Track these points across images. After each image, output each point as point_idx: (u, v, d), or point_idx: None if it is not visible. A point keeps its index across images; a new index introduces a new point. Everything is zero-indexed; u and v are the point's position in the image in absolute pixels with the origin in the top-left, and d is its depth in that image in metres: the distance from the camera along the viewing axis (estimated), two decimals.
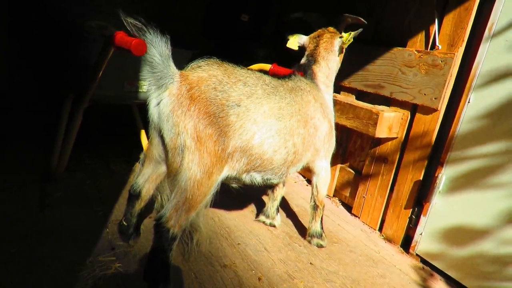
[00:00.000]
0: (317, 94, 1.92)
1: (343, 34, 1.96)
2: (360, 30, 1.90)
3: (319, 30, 2.05)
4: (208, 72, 1.50)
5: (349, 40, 1.92)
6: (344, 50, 2.07)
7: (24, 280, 1.47)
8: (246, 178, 1.68)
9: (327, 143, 1.96)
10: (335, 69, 2.06)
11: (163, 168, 1.66)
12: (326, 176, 2.04)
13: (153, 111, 1.47)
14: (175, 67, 1.44)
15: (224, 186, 1.67)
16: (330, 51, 1.98)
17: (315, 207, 2.09)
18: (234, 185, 1.79)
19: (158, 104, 1.44)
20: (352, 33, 1.91)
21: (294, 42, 2.08)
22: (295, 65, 2.06)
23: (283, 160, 1.71)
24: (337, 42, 1.99)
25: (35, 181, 2.24)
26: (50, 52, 2.41)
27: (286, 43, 2.10)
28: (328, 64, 2.00)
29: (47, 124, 2.90)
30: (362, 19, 1.89)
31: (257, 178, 1.71)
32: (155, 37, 1.35)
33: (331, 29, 2.04)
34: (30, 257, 1.60)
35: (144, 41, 1.35)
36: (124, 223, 1.80)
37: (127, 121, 2.80)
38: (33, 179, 2.26)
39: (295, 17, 2.11)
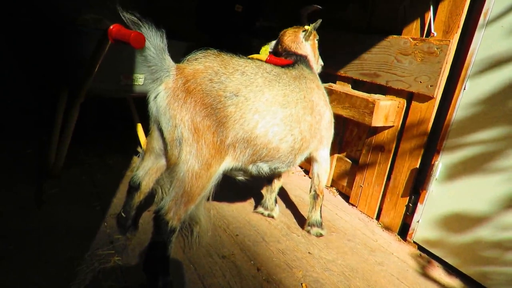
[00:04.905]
0: (318, 82, 1.95)
1: (306, 27, 2.05)
2: (318, 21, 1.99)
3: (281, 31, 2.12)
4: (205, 64, 1.49)
5: (310, 32, 2.03)
6: (315, 41, 2.16)
7: (24, 277, 1.46)
8: (252, 169, 1.68)
9: (330, 131, 1.98)
10: (315, 57, 2.15)
11: (163, 162, 1.66)
12: (327, 165, 2.06)
13: (152, 105, 1.47)
14: (171, 60, 1.43)
15: (222, 178, 1.67)
16: (299, 43, 2.04)
17: (315, 197, 2.10)
18: (240, 177, 1.79)
19: (156, 97, 1.44)
20: (312, 25, 2.01)
21: (266, 51, 2.16)
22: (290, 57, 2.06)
23: (290, 148, 1.71)
24: (301, 35, 2.05)
25: (33, 179, 2.22)
26: (45, 48, 2.38)
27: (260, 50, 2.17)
28: (308, 53, 2.07)
29: (44, 122, 2.89)
30: (316, 6, 2.04)
31: (264, 168, 1.70)
32: (150, 30, 1.34)
33: (293, 27, 2.11)
34: (29, 254, 1.59)
35: (143, 33, 1.34)
36: (123, 214, 1.80)
37: (123, 115, 2.79)
38: (31, 177, 2.24)
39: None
